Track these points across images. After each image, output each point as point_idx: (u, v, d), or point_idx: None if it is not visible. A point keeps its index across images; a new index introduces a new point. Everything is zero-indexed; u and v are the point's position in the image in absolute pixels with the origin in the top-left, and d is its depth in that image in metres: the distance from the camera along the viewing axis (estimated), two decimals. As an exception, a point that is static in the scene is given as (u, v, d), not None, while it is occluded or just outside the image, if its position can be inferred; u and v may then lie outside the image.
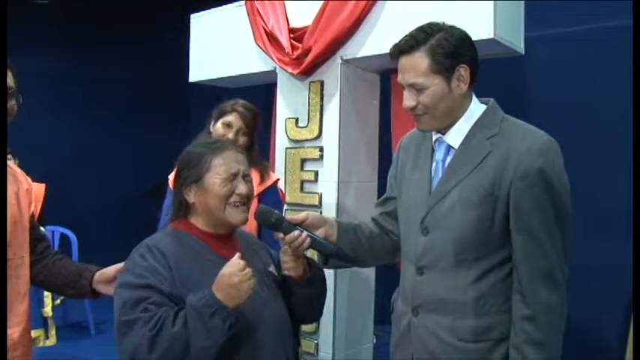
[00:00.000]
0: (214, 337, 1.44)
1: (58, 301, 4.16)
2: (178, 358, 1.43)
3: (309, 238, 1.69)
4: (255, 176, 2.51)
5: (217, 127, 2.54)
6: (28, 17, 5.63)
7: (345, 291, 3.25)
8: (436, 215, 1.67)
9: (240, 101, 2.61)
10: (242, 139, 2.53)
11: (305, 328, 3.22)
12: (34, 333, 3.83)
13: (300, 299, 1.78)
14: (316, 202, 3.22)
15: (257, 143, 2.64)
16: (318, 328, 3.24)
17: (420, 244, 1.70)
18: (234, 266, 1.49)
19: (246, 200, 1.69)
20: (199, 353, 1.43)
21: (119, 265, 1.78)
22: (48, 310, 3.94)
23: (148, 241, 1.67)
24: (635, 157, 1.91)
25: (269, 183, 2.55)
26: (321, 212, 3.07)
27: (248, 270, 1.50)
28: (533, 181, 1.54)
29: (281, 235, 1.71)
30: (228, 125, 2.52)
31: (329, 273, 3.11)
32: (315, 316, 1.98)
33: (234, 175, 1.67)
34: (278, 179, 2.67)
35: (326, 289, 1.89)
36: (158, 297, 1.50)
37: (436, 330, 1.66)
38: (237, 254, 1.54)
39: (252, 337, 1.59)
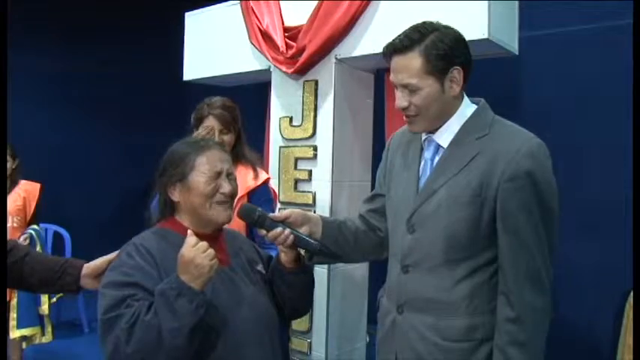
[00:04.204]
0: (182, 318, 1.43)
1: (55, 299, 4.17)
2: (154, 345, 1.43)
3: (292, 235, 1.70)
4: (246, 172, 2.50)
5: (200, 134, 2.51)
6: (26, 16, 5.61)
7: (338, 290, 3.25)
8: (423, 214, 1.66)
9: (214, 101, 2.55)
10: (226, 138, 2.50)
11: (298, 327, 3.22)
12: (30, 330, 3.87)
13: (295, 287, 1.79)
14: (310, 201, 3.22)
15: (243, 137, 2.60)
16: (311, 327, 3.24)
17: (406, 242, 1.70)
18: (187, 243, 1.50)
19: (229, 199, 1.70)
20: (169, 336, 1.42)
21: (109, 256, 1.76)
22: (45, 308, 3.96)
23: (136, 239, 1.68)
24: (635, 157, 1.91)
25: (259, 182, 2.53)
26: (314, 211, 3.07)
27: (202, 243, 1.50)
28: (521, 183, 1.54)
29: (264, 231, 1.72)
30: (209, 130, 2.50)
31: (322, 273, 3.13)
32: (308, 305, 2.00)
33: (218, 174, 1.68)
34: (268, 178, 2.65)
35: (314, 279, 1.91)
36: (143, 294, 1.51)
37: (420, 329, 1.66)
38: (189, 231, 1.55)
39: (236, 333, 1.60)
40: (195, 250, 1.48)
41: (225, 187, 1.68)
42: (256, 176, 2.54)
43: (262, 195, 2.53)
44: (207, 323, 1.52)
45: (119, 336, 1.44)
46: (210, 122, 2.50)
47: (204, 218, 1.68)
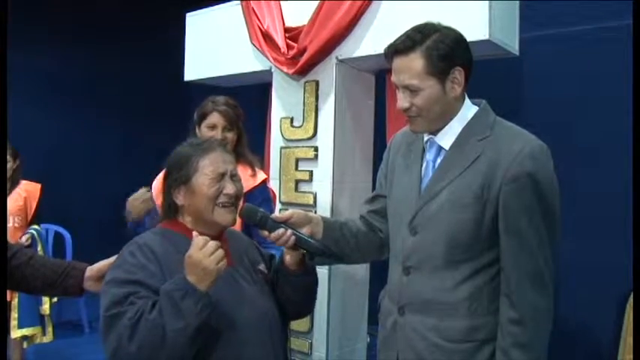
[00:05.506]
0: (186, 319, 1.43)
1: (56, 299, 4.18)
2: (157, 344, 1.43)
3: (294, 236, 1.69)
4: (244, 171, 2.49)
5: (203, 131, 2.52)
6: (26, 16, 5.61)
7: (339, 291, 3.25)
8: (425, 216, 1.66)
9: (218, 98, 2.57)
10: (229, 136, 2.51)
11: (299, 327, 3.23)
12: (31, 330, 3.88)
13: (299, 289, 1.78)
14: (311, 202, 3.22)
15: (244, 137, 2.62)
16: (312, 327, 3.24)
17: (408, 244, 1.70)
18: (195, 244, 1.49)
19: (234, 200, 1.69)
20: (173, 335, 1.42)
21: (112, 259, 1.75)
22: (46, 308, 3.98)
23: (138, 239, 1.67)
24: (634, 157, 1.92)
25: (256, 182, 2.53)
26: (315, 212, 3.07)
27: (210, 245, 1.49)
28: (522, 184, 1.54)
29: (266, 232, 1.71)
30: (212, 127, 2.50)
31: (323, 273, 3.13)
32: (311, 306, 2.00)
33: (222, 176, 1.68)
34: (266, 178, 2.65)
35: (318, 280, 1.90)
36: (146, 292, 1.50)
37: (422, 330, 1.66)
38: (195, 233, 1.54)
39: (237, 332, 1.60)
40: (202, 252, 1.48)
41: (230, 188, 1.67)
42: (254, 175, 2.54)
43: (260, 195, 2.52)
44: (211, 322, 1.52)
45: (122, 333, 1.44)
46: (215, 118, 2.51)
47: (208, 220, 1.67)
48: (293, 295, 1.79)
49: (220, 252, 1.50)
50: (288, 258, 1.75)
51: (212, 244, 1.50)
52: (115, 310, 1.47)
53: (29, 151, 4.13)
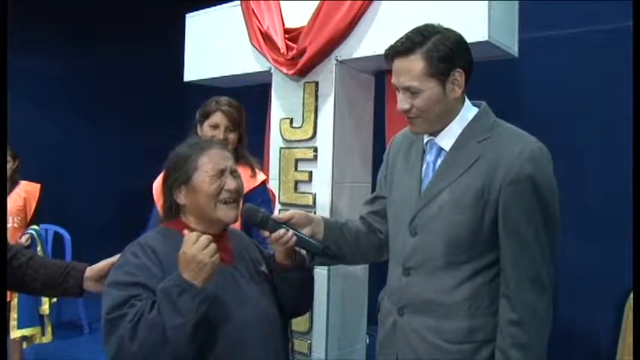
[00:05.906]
0: (185, 315, 1.44)
1: (55, 299, 4.18)
2: (158, 342, 1.44)
3: (294, 237, 1.70)
4: (244, 172, 2.50)
5: (205, 129, 2.54)
6: (26, 16, 5.61)
7: (338, 291, 3.25)
8: (425, 217, 1.67)
9: (222, 99, 2.59)
10: (231, 136, 2.52)
11: (298, 328, 3.23)
12: (31, 331, 3.90)
13: (293, 284, 1.79)
14: (310, 203, 3.22)
15: (245, 139, 2.63)
16: (311, 328, 3.24)
17: (408, 245, 1.70)
18: (188, 241, 1.50)
19: (236, 196, 1.70)
20: (173, 332, 1.43)
21: (112, 259, 1.76)
22: (45, 309, 4.00)
23: (141, 239, 1.68)
24: (634, 158, 1.92)
25: (256, 183, 2.54)
26: (314, 212, 3.08)
27: (202, 239, 1.50)
28: (522, 186, 1.54)
29: (267, 233, 1.72)
30: (215, 126, 2.52)
31: (323, 274, 3.13)
32: (309, 303, 2.01)
33: (222, 172, 1.68)
34: (266, 179, 2.66)
35: (313, 276, 1.91)
36: (147, 294, 1.51)
37: (421, 331, 1.67)
38: (186, 231, 1.56)
39: (239, 332, 1.60)
40: (196, 247, 1.49)
41: (230, 184, 1.68)
42: (253, 176, 2.54)
43: (260, 195, 2.52)
44: (211, 322, 1.52)
45: (123, 335, 1.45)
46: (218, 118, 2.52)
47: (211, 218, 1.68)
48: (288, 291, 1.80)
49: (213, 245, 1.51)
50: (277, 254, 1.77)
51: (204, 238, 1.51)
52: (116, 314, 1.48)
53: (29, 151, 4.13)
